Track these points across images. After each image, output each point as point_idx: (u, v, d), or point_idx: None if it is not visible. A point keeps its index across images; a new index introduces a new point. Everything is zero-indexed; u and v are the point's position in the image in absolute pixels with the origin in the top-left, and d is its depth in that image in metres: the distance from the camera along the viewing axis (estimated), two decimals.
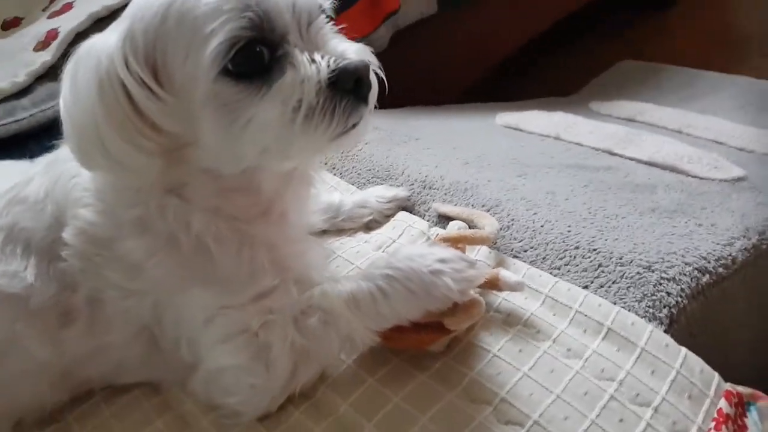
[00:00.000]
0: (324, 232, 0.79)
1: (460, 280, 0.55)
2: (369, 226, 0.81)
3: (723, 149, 1.18)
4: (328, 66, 0.50)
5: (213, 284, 0.54)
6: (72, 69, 0.50)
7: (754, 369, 0.95)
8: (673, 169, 1.03)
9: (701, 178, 0.99)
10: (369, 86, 0.53)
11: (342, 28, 0.58)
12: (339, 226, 0.80)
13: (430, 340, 0.58)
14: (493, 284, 0.63)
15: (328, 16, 0.56)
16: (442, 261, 0.56)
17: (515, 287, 0.62)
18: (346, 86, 0.51)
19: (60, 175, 0.57)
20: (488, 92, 1.74)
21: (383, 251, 0.75)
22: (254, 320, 0.54)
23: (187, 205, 0.53)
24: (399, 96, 1.49)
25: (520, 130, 1.25)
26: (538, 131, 1.23)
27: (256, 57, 0.49)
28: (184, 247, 0.53)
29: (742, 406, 0.57)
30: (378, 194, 0.82)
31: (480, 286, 0.63)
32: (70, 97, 0.49)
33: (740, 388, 0.58)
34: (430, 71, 1.69)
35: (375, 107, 0.57)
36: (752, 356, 0.91)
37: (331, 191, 0.85)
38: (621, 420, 0.54)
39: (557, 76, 2.01)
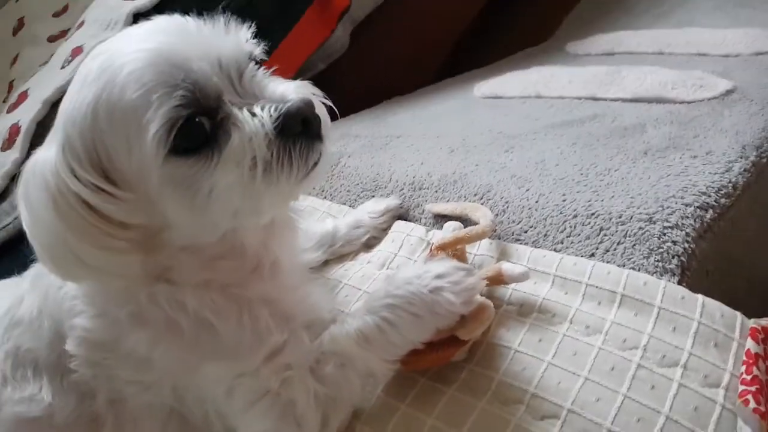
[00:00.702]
0: (326, 263, 0.80)
1: (461, 291, 0.55)
2: (368, 245, 0.81)
3: (708, 61, 1.15)
4: (271, 116, 0.50)
5: (223, 356, 0.55)
6: (23, 193, 0.50)
7: None
8: (659, 100, 1.00)
9: (689, 102, 0.97)
10: (318, 121, 0.53)
11: (275, 70, 0.57)
12: (338, 252, 0.80)
13: (449, 355, 0.58)
14: (498, 280, 0.63)
15: (257, 61, 0.55)
16: (440, 277, 0.56)
17: (520, 278, 0.62)
18: (294, 130, 0.51)
19: (47, 289, 0.58)
20: (466, 60, 1.71)
21: (387, 268, 0.75)
22: (272, 380, 0.54)
23: (177, 287, 0.54)
24: (375, 89, 1.49)
25: (500, 98, 1.23)
26: (518, 94, 1.21)
27: (197, 129, 0.49)
28: (185, 329, 0.54)
29: None
30: (370, 210, 0.82)
31: (487, 284, 0.63)
32: (30, 220, 0.50)
33: (764, 321, 0.57)
34: (399, 56, 1.67)
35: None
36: None
37: (324, 219, 0.85)
38: (653, 387, 0.53)
39: (532, 22, 1.97)
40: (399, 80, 1.56)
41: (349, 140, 1.09)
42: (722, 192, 0.71)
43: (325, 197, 0.94)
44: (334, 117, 0.59)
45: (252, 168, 0.50)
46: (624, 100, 1.04)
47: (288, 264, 0.63)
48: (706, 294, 0.60)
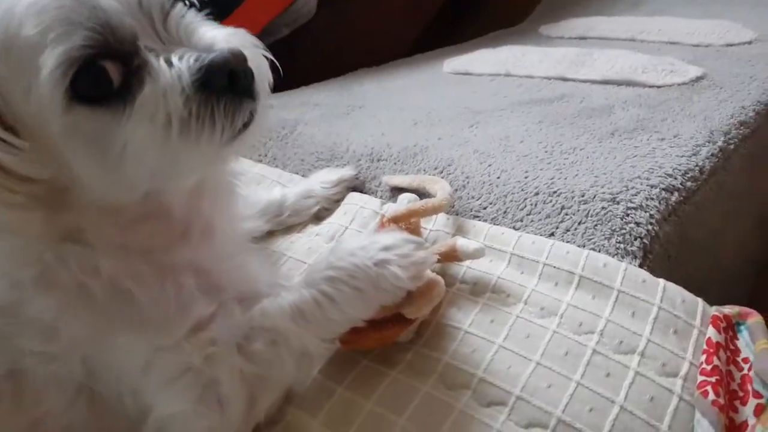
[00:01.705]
0: (271, 234, 0.74)
1: (409, 265, 0.50)
2: (319, 216, 0.76)
3: (678, 50, 1.13)
4: (190, 67, 0.43)
5: (140, 327, 0.49)
6: None
7: (746, 266, 0.92)
8: (629, 83, 0.98)
9: (659, 87, 0.94)
10: (248, 76, 0.46)
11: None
12: (285, 223, 0.74)
13: (393, 335, 0.54)
14: (451, 256, 0.59)
15: (190, 2, 0.48)
16: (387, 249, 0.51)
17: (475, 254, 0.58)
18: (217, 85, 0.44)
19: None
20: (440, 40, 1.66)
21: (336, 241, 0.70)
22: (195, 356, 0.49)
23: (91, 249, 0.48)
24: (342, 60, 1.43)
25: (469, 74, 1.19)
26: (488, 71, 1.17)
27: (102, 75, 0.42)
28: (98, 295, 0.48)
29: (731, 328, 0.53)
30: (322, 180, 0.77)
31: (440, 260, 0.58)
32: None
33: (727, 310, 0.54)
34: (369, 29, 1.61)
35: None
36: (739, 257, 0.88)
37: (272, 187, 0.80)
38: (608, 375, 0.50)
39: (507, 4, 1.94)
40: (366, 54, 1.51)
41: (308, 108, 1.04)
42: (689, 175, 0.68)
43: (276, 165, 0.89)
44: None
45: (167, 126, 0.43)
46: (593, 82, 1.01)
47: (222, 231, 0.57)
48: (668, 279, 0.57)
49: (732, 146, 0.76)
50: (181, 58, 0.43)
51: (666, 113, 0.83)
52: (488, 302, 0.58)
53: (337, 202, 0.76)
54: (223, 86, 0.44)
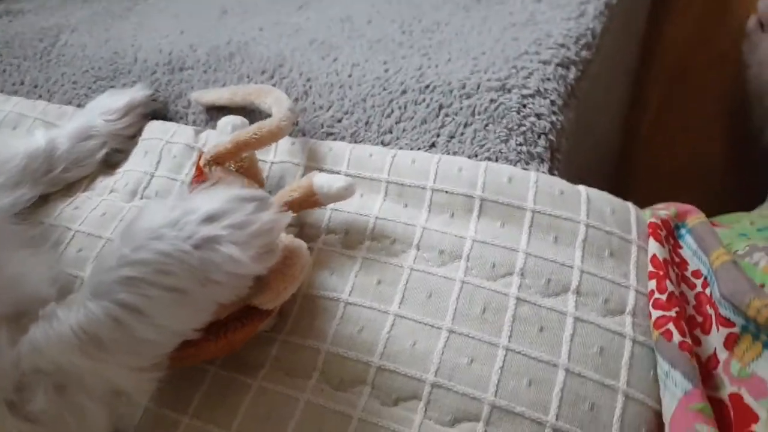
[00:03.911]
0: (45, 200, 0.51)
1: (249, 239, 0.32)
2: (109, 163, 0.54)
3: None
4: None
5: None
6: None
7: (617, 137, 0.86)
8: None
9: None
10: None
11: None
12: (62, 180, 0.52)
13: (245, 336, 0.37)
14: (309, 202, 0.41)
15: None
16: (210, 219, 0.32)
17: (341, 194, 0.41)
18: None
19: None
20: None
21: (142, 197, 0.49)
22: None
23: None
24: None
25: None
26: None
27: None
28: None
29: (672, 235, 0.43)
30: (104, 108, 0.54)
31: (293, 210, 0.41)
32: None
33: (662, 212, 0.44)
34: None
35: None
36: (613, 131, 0.81)
37: (33, 130, 0.55)
38: (541, 329, 0.38)
39: None
40: None
41: (73, 7, 0.75)
42: (582, 42, 0.55)
43: (38, 95, 0.62)
44: None
45: None
46: None
47: None
48: (566, 177, 0.45)
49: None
50: None
51: None
52: (369, 255, 0.42)
53: (132, 138, 0.54)
54: None
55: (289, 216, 0.35)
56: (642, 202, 0.45)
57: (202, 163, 0.42)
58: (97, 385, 0.33)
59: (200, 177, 0.41)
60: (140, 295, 0.32)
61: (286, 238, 0.37)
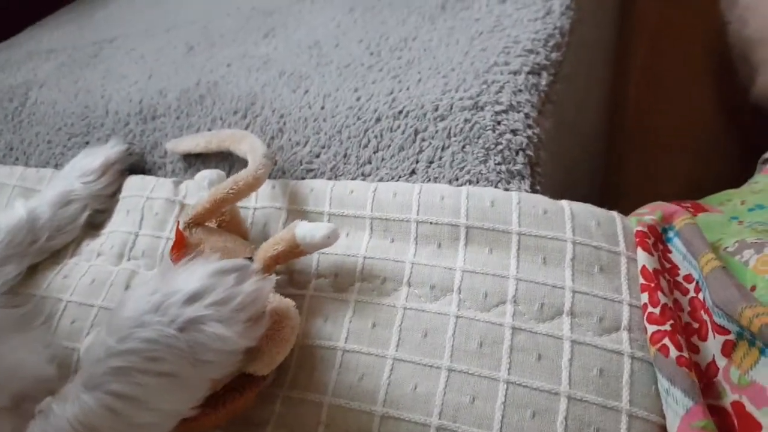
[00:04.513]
0: (33, 270, 0.51)
1: (234, 314, 0.32)
2: (93, 224, 0.53)
3: None
4: None
5: None
6: None
7: (601, 133, 0.85)
8: None
9: None
10: None
11: None
12: (47, 249, 0.51)
13: (245, 403, 0.37)
14: (294, 254, 0.41)
15: None
16: (192, 299, 0.32)
17: (325, 243, 0.40)
18: None
19: None
20: None
21: (129, 259, 0.49)
22: None
23: None
24: None
25: None
26: None
27: None
28: None
29: (660, 240, 0.42)
30: (80, 171, 0.53)
31: (280, 262, 0.41)
32: None
33: (647, 217, 0.43)
34: None
35: None
36: (598, 124, 0.80)
37: (12, 200, 0.55)
38: (539, 357, 0.37)
39: None
40: None
41: (39, 60, 0.74)
42: (551, 44, 0.54)
43: (15, 159, 0.62)
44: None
45: None
46: None
47: None
48: (550, 184, 0.45)
49: None
50: None
51: None
52: (361, 297, 0.42)
53: (113, 196, 0.54)
54: None
55: (273, 281, 0.35)
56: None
57: (181, 227, 0.41)
58: None
59: (181, 242, 0.41)
60: (132, 384, 0.32)
61: (274, 299, 0.37)
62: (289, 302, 0.37)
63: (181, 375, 0.32)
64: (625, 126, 1.05)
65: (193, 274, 0.33)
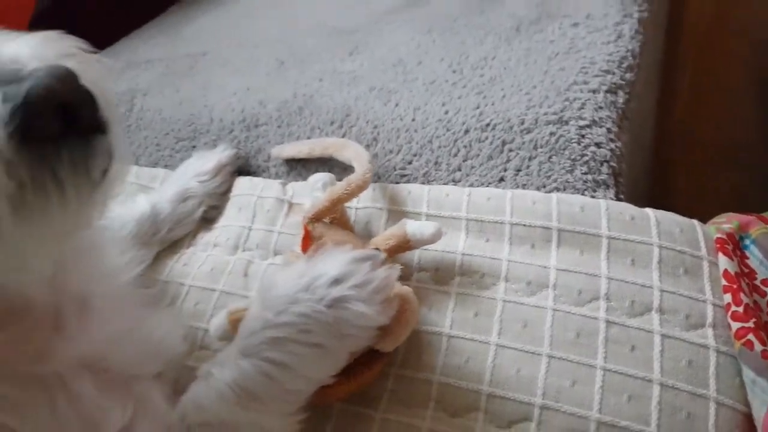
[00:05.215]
0: (155, 257, 0.56)
1: (372, 295, 0.37)
2: (208, 219, 0.59)
3: None
4: None
5: None
6: None
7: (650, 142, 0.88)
8: None
9: None
10: (88, 102, 0.30)
11: None
12: (168, 240, 0.57)
13: (371, 377, 0.42)
14: (403, 247, 0.46)
15: None
16: (337, 281, 0.37)
17: (432, 239, 0.45)
18: (48, 131, 0.28)
19: None
20: None
21: (243, 250, 0.55)
22: None
23: None
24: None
25: None
26: None
27: None
28: None
29: (738, 247, 0.46)
30: (195, 172, 0.59)
31: (389, 255, 0.46)
32: None
33: (725, 225, 0.47)
34: None
35: None
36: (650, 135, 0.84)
37: (134, 196, 0.60)
38: (633, 348, 0.42)
39: None
40: None
41: (138, 69, 0.81)
42: (624, 65, 0.59)
43: (130, 164, 0.68)
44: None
45: None
46: None
47: (103, 298, 0.41)
48: (626, 197, 0.49)
49: (646, 13, 0.67)
50: None
51: None
52: (461, 290, 0.47)
53: (224, 194, 0.60)
54: (55, 132, 0.28)
55: (399, 269, 0.40)
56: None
57: (305, 222, 0.47)
58: None
59: (307, 236, 0.46)
60: (286, 352, 0.37)
61: (395, 286, 0.42)
62: (408, 289, 0.42)
63: (327, 346, 0.37)
64: (672, 140, 1.09)
65: (335, 261, 0.38)
